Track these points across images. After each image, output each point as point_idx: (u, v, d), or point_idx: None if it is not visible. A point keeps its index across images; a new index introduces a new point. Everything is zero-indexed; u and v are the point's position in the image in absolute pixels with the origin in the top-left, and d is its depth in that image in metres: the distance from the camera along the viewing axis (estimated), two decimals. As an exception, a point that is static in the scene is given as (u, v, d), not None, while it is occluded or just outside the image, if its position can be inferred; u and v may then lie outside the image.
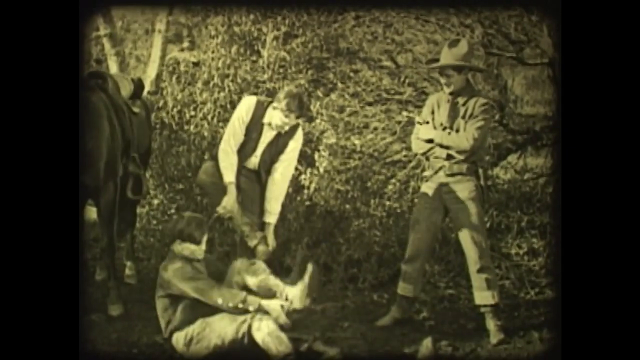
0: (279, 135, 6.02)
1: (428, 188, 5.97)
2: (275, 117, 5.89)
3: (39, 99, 4.48)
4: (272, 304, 5.29)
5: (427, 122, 5.93)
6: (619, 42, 4.56)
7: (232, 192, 5.91)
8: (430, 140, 5.89)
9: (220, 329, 5.27)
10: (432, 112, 5.97)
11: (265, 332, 5.20)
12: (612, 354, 4.37)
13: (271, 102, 5.98)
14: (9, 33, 4.50)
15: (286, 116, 5.84)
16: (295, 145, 6.11)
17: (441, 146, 5.84)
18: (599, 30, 4.60)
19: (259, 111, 5.97)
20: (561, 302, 4.54)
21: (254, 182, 6.11)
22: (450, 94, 5.86)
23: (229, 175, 5.92)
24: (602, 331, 4.40)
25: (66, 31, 4.59)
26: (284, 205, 6.32)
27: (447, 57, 5.84)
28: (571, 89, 4.66)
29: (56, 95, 4.52)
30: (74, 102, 4.70)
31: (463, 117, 5.81)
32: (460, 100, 5.85)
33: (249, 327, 5.22)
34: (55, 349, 4.37)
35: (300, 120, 5.91)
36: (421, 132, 5.94)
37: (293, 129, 6.04)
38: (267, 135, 6.02)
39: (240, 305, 5.25)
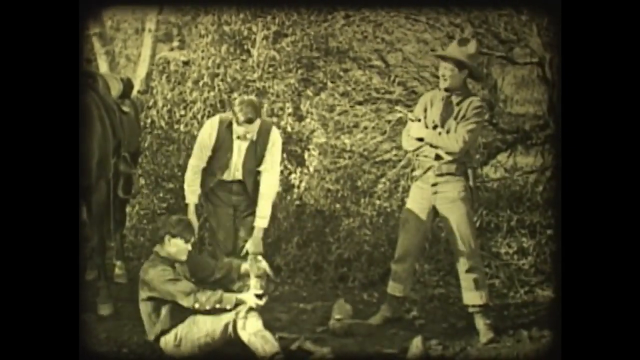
0: (253, 143, 6.02)
1: (418, 187, 5.97)
2: (236, 128, 5.92)
3: (37, 99, 4.49)
4: (246, 296, 5.32)
5: (419, 120, 5.93)
6: (619, 41, 4.58)
7: (191, 211, 6.04)
8: (420, 139, 5.89)
9: (208, 327, 5.28)
10: (425, 110, 5.96)
11: (250, 331, 5.20)
12: (611, 353, 4.39)
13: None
14: (7, 33, 4.50)
15: (239, 124, 5.85)
16: (274, 146, 6.10)
17: (431, 145, 5.84)
18: (598, 29, 4.62)
19: (225, 129, 6.01)
20: (561, 301, 4.56)
21: (239, 193, 6.15)
22: (446, 90, 5.85)
23: (192, 197, 6.08)
24: (601, 330, 4.42)
25: (65, 30, 4.59)
26: (274, 205, 6.32)
27: (455, 52, 5.84)
28: (570, 89, 4.67)
29: (53, 95, 4.52)
30: (74, 101, 4.72)
31: (455, 118, 5.80)
32: (455, 99, 5.84)
33: (234, 326, 5.23)
34: (54, 350, 4.37)
35: (258, 121, 5.92)
36: (412, 130, 5.94)
37: (265, 132, 6.04)
38: (242, 147, 6.02)
39: (218, 306, 5.26)
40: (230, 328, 5.24)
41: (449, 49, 5.96)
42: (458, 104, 5.83)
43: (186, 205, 6.09)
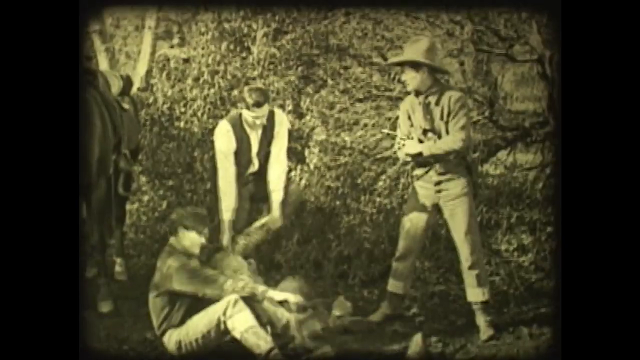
0: (264, 129, 6.20)
1: (419, 186, 5.95)
2: (246, 116, 6.08)
3: (38, 97, 4.50)
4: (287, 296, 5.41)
5: (409, 137, 5.87)
6: (618, 39, 4.58)
7: (226, 230, 6.14)
8: (419, 154, 5.83)
9: (202, 329, 5.26)
10: (409, 117, 5.89)
11: (241, 329, 5.18)
12: (611, 350, 4.39)
13: (239, 110, 6.18)
14: (7, 31, 4.51)
15: (250, 109, 6.02)
16: (281, 126, 6.31)
17: (433, 157, 5.80)
18: (598, 27, 4.62)
19: (239, 126, 6.14)
20: (560, 298, 4.56)
21: (254, 180, 6.36)
22: (416, 93, 5.80)
23: (227, 214, 6.14)
24: (601, 327, 4.42)
25: (65, 28, 4.60)
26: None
27: (407, 54, 5.79)
28: (569, 86, 4.67)
29: (54, 93, 4.53)
30: (74, 99, 4.73)
31: (441, 118, 5.73)
32: (432, 100, 5.76)
33: (225, 327, 5.21)
34: (54, 347, 4.38)
35: (267, 106, 6.10)
36: (408, 149, 5.84)
37: (271, 115, 6.23)
38: (255, 136, 6.20)
39: (248, 291, 5.27)
40: (222, 328, 5.23)
41: (403, 53, 5.88)
42: (437, 103, 5.74)
43: (220, 221, 6.16)
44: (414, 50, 5.74)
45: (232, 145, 6.12)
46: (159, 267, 5.44)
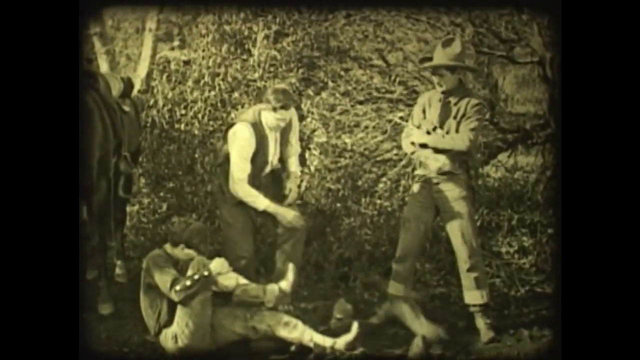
0: (282, 131, 6.11)
1: (419, 187, 5.97)
2: (268, 118, 5.96)
3: (38, 99, 4.50)
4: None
5: (419, 127, 5.91)
6: (619, 40, 4.58)
7: (274, 206, 6.04)
8: (424, 145, 5.87)
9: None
10: (424, 111, 5.96)
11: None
12: (611, 352, 4.39)
13: (260, 109, 6.03)
14: (7, 33, 4.51)
15: (276, 111, 5.92)
16: (293, 118, 6.24)
17: (436, 150, 5.82)
18: (599, 28, 4.62)
19: (259, 130, 6.01)
20: (561, 300, 4.56)
21: (271, 180, 6.27)
22: (443, 93, 5.85)
23: (262, 201, 6.01)
24: (602, 329, 4.42)
25: (65, 30, 4.60)
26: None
27: (441, 56, 5.82)
28: (570, 88, 4.67)
29: (54, 95, 4.53)
30: (74, 101, 4.73)
31: (455, 117, 5.79)
32: (452, 99, 5.84)
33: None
34: (54, 350, 4.37)
35: (292, 109, 6.08)
36: (414, 137, 5.90)
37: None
38: (277, 137, 6.12)
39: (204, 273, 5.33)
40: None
41: (435, 56, 5.87)
42: (456, 103, 5.83)
43: (264, 211, 6.05)
44: (449, 53, 5.79)
45: (252, 150, 5.99)
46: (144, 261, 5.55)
